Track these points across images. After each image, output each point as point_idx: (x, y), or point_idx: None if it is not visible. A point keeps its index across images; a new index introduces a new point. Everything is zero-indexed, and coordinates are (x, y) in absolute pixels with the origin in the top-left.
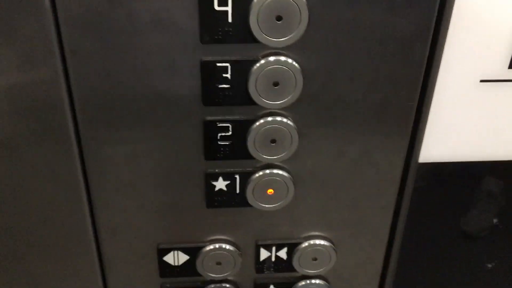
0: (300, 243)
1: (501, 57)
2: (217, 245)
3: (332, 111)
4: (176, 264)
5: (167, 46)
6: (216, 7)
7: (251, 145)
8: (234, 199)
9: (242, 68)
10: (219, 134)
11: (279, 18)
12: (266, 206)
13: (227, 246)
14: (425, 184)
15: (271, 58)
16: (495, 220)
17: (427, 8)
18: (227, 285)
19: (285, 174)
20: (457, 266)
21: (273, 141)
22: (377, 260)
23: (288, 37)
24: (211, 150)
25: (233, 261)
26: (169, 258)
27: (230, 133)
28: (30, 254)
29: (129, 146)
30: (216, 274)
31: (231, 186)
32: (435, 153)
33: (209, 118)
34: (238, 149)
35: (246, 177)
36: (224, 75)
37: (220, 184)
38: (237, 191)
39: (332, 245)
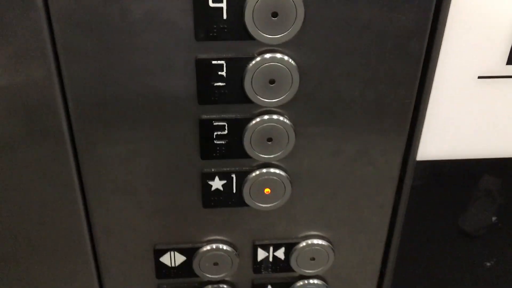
0: (297, 243)
1: (499, 53)
2: (214, 246)
3: (329, 109)
4: (172, 265)
5: (162, 44)
6: (211, 4)
7: (248, 144)
8: (231, 199)
9: (238, 66)
10: (215, 133)
11: (274, 15)
12: (263, 205)
13: (224, 247)
14: (423, 182)
15: (267, 56)
16: (493, 218)
17: (424, 4)
18: (225, 286)
19: (282, 173)
20: (456, 265)
21: (270, 139)
22: (375, 259)
23: (284, 34)
24: (207, 149)
25: (230, 262)
26: (166, 259)
27: (226, 132)
28: (25, 255)
29: (123, 146)
30: (213, 275)
31: (227, 186)
32: (433, 150)
33: (204, 116)
34: (234, 148)
35: (242, 176)
36: (219, 72)
37: (217, 183)
38: (234, 190)
39: (330, 244)
